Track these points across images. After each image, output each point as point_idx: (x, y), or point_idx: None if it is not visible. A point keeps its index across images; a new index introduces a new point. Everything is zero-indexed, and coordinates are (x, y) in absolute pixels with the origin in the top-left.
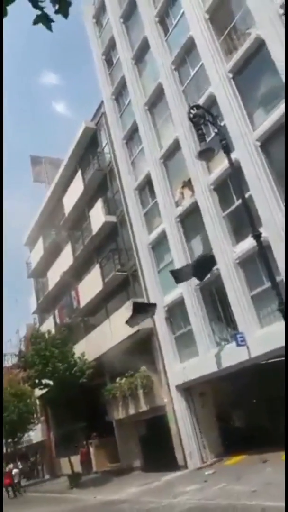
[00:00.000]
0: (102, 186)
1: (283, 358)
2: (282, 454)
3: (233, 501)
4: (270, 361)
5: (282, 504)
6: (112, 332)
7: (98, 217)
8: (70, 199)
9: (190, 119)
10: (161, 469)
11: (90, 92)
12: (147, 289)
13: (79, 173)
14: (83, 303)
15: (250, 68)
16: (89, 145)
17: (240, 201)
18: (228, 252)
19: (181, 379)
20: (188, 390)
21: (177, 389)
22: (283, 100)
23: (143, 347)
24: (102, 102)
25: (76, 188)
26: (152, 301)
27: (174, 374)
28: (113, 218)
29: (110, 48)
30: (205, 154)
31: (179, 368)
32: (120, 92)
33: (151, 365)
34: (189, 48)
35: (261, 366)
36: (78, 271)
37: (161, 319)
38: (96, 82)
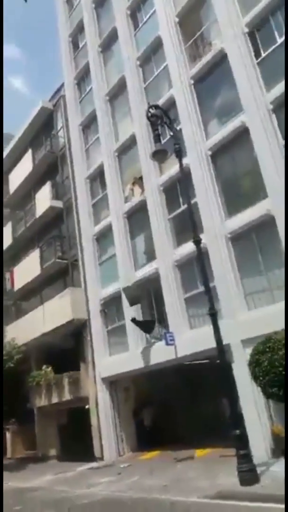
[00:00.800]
0: (52, 170)
1: (207, 360)
2: (193, 452)
3: (145, 494)
4: (194, 362)
5: (191, 499)
6: (44, 319)
7: (44, 200)
8: (17, 177)
9: (148, 118)
10: (78, 460)
11: (52, 73)
12: (86, 280)
13: (29, 152)
14: (17, 286)
15: (211, 78)
16: (44, 125)
17: (185, 206)
18: (169, 254)
19: (108, 372)
20: (113, 383)
21: (103, 382)
22: (237, 115)
23: (74, 337)
24: (63, 84)
25: (25, 167)
26: (90, 293)
27: (102, 366)
28: (59, 204)
29: (78, 31)
30: (159, 155)
31: (107, 361)
32: (82, 77)
33: (80, 356)
34: (156, 47)
35: (186, 367)
36: (16, 253)
37: (96, 311)
38: (59, 64)
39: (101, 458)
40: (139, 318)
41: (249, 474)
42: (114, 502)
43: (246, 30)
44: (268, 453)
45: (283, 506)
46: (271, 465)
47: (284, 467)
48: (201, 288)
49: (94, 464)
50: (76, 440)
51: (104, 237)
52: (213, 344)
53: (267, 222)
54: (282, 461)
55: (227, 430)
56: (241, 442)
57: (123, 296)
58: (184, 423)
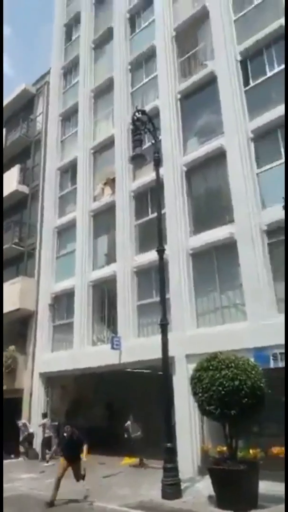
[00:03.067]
0: (23, 154)
1: (149, 371)
2: (119, 459)
3: (64, 496)
4: (136, 370)
5: (110, 506)
6: None
7: (10, 183)
8: None
9: (134, 121)
10: (5, 451)
11: (39, 59)
12: (40, 271)
13: (3, 131)
14: None
15: (198, 97)
16: (23, 108)
17: (154, 214)
18: (129, 259)
19: (48, 367)
20: (50, 379)
21: (40, 377)
22: (217, 137)
23: (18, 327)
24: (49, 71)
25: None
26: (42, 285)
27: (42, 361)
28: (25, 189)
29: (74, 23)
30: (137, 160)
31: (48, 357)
32: (70, 69)
33: (21, 347)
34: (149, 56)
35: (128, 373)
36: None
37: (46, 304)
38: (48, 51)
39: (26, 454)
40: (89, 320)
41: (172, 488)
42: (30, 500)
43: (239, 57)
44: (194, 470)
45: None
46: (196, 482)
47: (208, 485)
48: (156, 298)
49: (19, 460)
50: (6, 432)
51: (66, 232)
52: (158, 354)
53: (229, 245)
54: (207, 479)
55: (158, 442)
56: (170, 456)
57: (76, 293)
58: (117, 429)
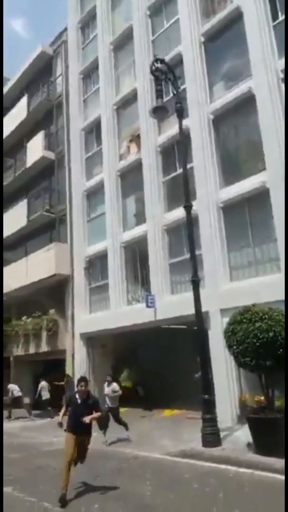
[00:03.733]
0: (46, 119)
1: (185, 326)
2: (160, 412)
3: (110, 447)
4: (172, 326)
5: (153, 455)
6: (27, 271)
7: (36, 150)
8: (10, 122)
9: (152, 71)
10: (50, 411)
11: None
12: (72, 236)
13: (25, 98)
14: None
15: (223, 38)
16: (42, 71)
17: (181, 170)
18: (159, 217)
19: (87, 328)
20: (91, 339)
21: (81, 337)
22: (245, 80)
23: (56, 291)
24: (66, 29)
25: (18, 113)
26: (76, 250)
27: (81, 322)
28: (51, 155)
29: None
30: (159, 112)
31: (87, 318)
32: (87, 22)
33: (60, 310)
34: None
35: (164, 330)
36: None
37: (81, 268)
38: (63, 8)
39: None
40: (123, 280)
41: (212, 437)
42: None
43: None
44: (234, 419)
45: (236, 468)
46: (235, 430)
47: (246, 433)
48: (187, 255)
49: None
50: (50, 391)
51: (94, 194)
52: (192, 310)
53: (261, 195)
54: (245, 427)
55: (198, 394)
56: (208, 406)
57: (109, 255)
58: (159, 383)
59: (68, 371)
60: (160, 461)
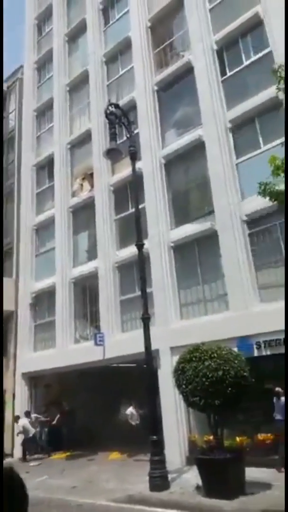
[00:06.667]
0: None
1: (134, 364)
2: (107, 455)
3: (51, 494)
4: (121, 365)
5: (99, 501)
6: None
7: None
8: None
9: (107, 115)
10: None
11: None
12: (18, 271)
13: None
14: None
15: (175, 88)
16: None
17: (133, 209)
18: (111, 254)
19: (31, 367)
20: (34, 379)
21: (22, 377)
22: (195, 128)
23: None
24: (20, 67)
25: None
26: (21, 285)
27: (24, 361)
28: None
29: (46, 16)
30: (112, 154)
31: (31, 356)
32: (44, 63)
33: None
34: (124, 48)
35: (112, 369)
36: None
37: (26, 304)
38: (19, 45)
39: (11, 455)
40: (71, 317)
41: (160, 480)
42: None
43: (215, 47)
44: (183, 461)
45: None
46: (184, 472)
47: (196, 475)
48: (138, 292)
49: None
50: None
51: (44, 229)
52: (142, 348)
53: (209, 236)
54: (195, 469)
55: (145, 435)
56: (157, 448)
57: (57, 291)
58: (104, 424)
59: (8, 412)
60: (105, 509)
